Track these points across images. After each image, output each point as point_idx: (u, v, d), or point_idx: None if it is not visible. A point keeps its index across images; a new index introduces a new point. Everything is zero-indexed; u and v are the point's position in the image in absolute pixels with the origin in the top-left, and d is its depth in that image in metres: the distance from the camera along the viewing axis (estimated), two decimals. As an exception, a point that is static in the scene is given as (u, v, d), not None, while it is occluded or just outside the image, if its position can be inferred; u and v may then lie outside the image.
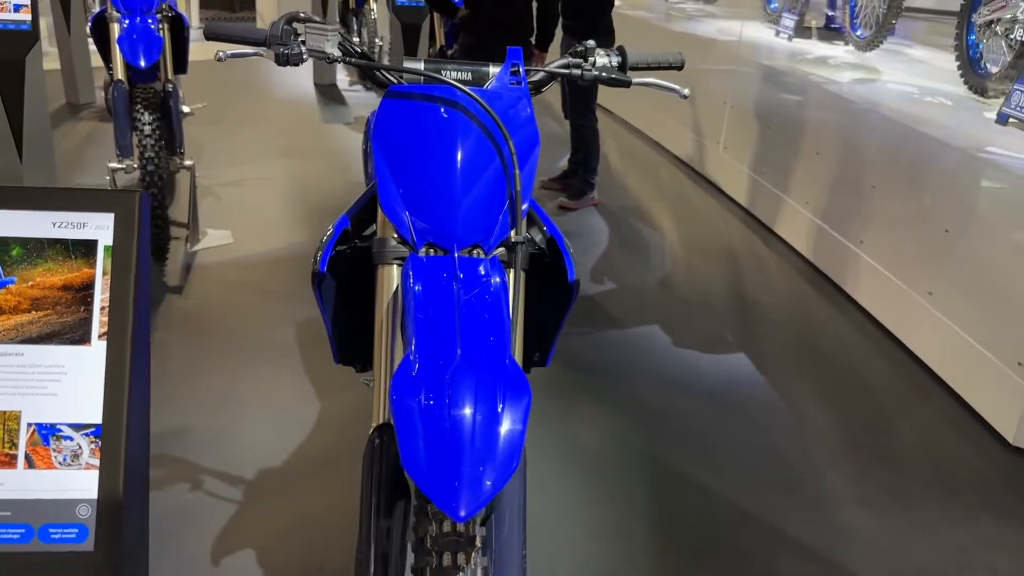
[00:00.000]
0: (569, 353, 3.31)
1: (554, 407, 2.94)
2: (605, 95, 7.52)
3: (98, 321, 1.20)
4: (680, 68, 1.79)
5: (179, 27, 4.14)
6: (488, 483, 1.13)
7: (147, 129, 3.66)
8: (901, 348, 3.52)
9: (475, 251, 1.48)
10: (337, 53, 1.52)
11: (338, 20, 8.26)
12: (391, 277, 1.47)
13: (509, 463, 1.15)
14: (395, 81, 1.56)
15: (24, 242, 1.20)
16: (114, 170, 3.82)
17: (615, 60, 1.69)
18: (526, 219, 1.71)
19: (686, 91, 1.75)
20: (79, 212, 1.20)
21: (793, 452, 2.78)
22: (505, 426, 1.17)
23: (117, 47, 3.74)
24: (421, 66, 1.54)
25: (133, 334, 1.19)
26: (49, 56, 6.88)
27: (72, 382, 1.21)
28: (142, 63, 3.68)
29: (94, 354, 1.23)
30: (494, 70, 1.59)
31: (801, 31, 5.94)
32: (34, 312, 1.19)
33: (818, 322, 3.80)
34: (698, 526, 2.41)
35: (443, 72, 1.55)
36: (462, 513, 1.10)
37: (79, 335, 1.21)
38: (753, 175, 5.06)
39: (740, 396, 3.10)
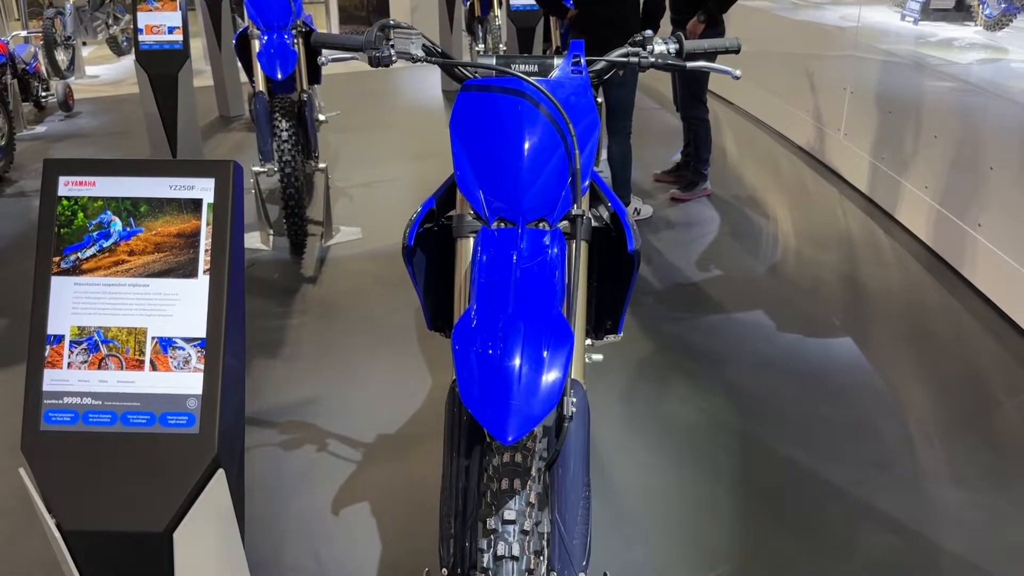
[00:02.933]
0: (666, 336, 3.43)
1: (647, 386, 3.08)
2: (726, 86, 7.50)
3: (203, 260, 1.63)
4: (736, 52, 1.91)
5: (308, 37, 4.53)
6: (531, 413, 1.31)
7: (284, 135, 4.05)
8: (1018, 332, 3.42)
9: (541, 224, 1.67)
10: (420, 53, 1.75)
11: (465, 28, 8.61)
12: (468, 249, 1.67)
13: (551, 399, 1.33)
14: (471, 76, 1.77)
15: (149, 201, 1.67)
16: (257, 173, 4.24)
17: (672, 47, 1.83)
18: (591, 196, 1.88)
19: (737, 72, 1.86)
20: (189, 178, 1.60)
21: (890, 432, 2.80)
22: (547, 368, 1.35)
23: (257, 61, 4.15)
24: (493, 61, 1.74)
25: (229, 270, 1.58)
26: (204, 73, 7.60)
27: (184, 306, 1.68)
28: (279, 75, 4.07)
29: (200, 285, 1.68)
30: (558, 62, 1.77)
31: (928, 13, 5.76)
32: (157, 254, 1.65)
33: (932, 306, 3.74)
34: (785, 499, 2.49)
35: (512, 66, 1.74)
36: (509, 437, 1.29)
37: (189, 271, 1.67)
38: (873, 161, 4.98)
39: (841, 379, 3.12)
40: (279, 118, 4.07)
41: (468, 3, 8.39)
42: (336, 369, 3.20)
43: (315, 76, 4.71)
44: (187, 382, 1.64)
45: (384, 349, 3.32)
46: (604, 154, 5.19)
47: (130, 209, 1.70)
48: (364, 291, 3.90)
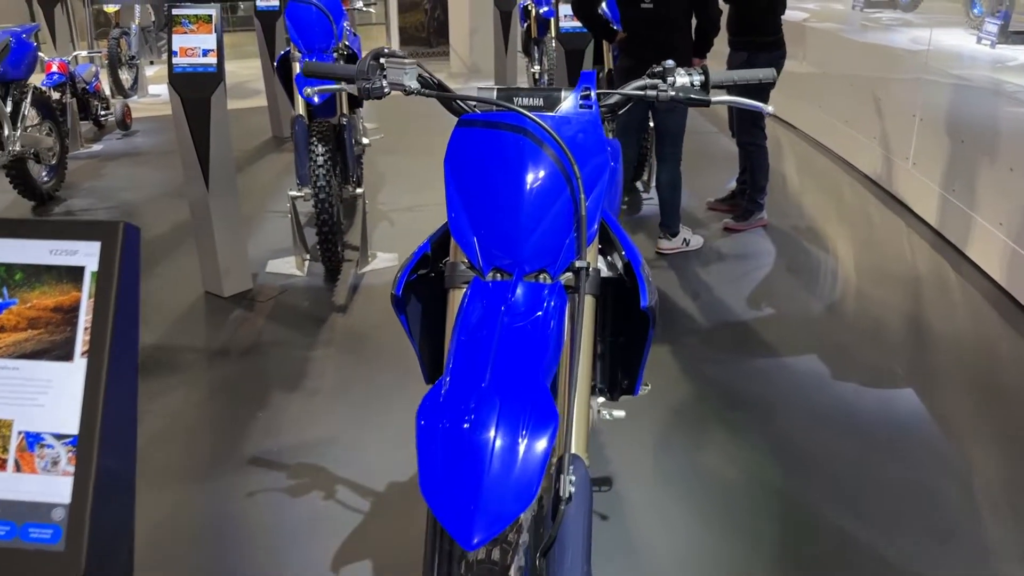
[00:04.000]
0: (708, 379, 3.19)
1: (682, 435, 2.85)
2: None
3: (81, 340, 1.34)
4: (772, 85, 1.70)
5: (352, 61, 4.44)
6: (502, 511, 1.12)
7: (319, 160, 3.94)
8: (1105, 388, 3.09)
9: (541, 276, 1.49)
10: (415, 85, 1.59)
11: (521, 49, 8.50)
12: (460, 300, 1.50)
13: (526, 493, 1.14)
14: (470, 110, 1.60)
15: (25, 268, 1.38)
16: (293, 197, 4.14)
17: (697, 79, 1.63)
18: (605, 242, 1.69)
19: (769, 108, 1.66)
20: (72, 241, 1.36)
21: (953, 499, 2.52)
22: (525, 454, 1.16)
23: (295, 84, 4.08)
24: (493, 94, 1.57)
25: (111, 352, 1.31)
26: (260, 94, 7.63)
27: (57, 395, 1.36)
28: (315, 99, 3.98)
29: (76, 370, 1.36)
30: (567, 94, 1.59)
31: (1007, 36, 5.39)
32: (30, 331, 1.37)
33: (1005, 356, 3.42)
34: (831, 574, 2.24)
35: (515, 99, 1.57)
36: (475, 540, 1.10)
37: (65, 352, 1.36)
38: (943, 192, 4.65)
39: (900, 435, 2.84)
40: (315, 142, 3.97)
41: (526, 25, 8.28)
42: (355, 406, 3.05)
43: (357, 100, 4.61)
44: (54, 488, 1.34)
45: (407, 388, 3.16)
46: (652, 181, 4.98)
47: (3, 277, 1.41)
48: (393, 323, 3.74)
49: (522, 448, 1.17)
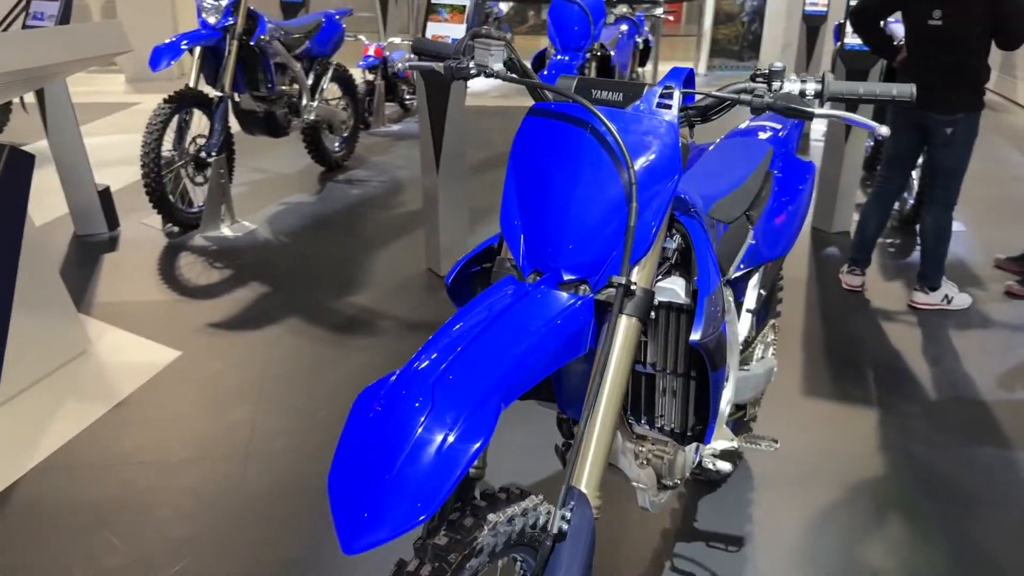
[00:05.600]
0: (911, 458, 2.71)
1: (850, 516, 2.44)
2: None
3: None
4: (910, 102, 1.36)
5: (606, 66, 4.39)
6: (397, 516, 1.00)
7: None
8: None
9: (582, 287, 1.34)
10: (498, 67, 1.49)
11: (832, 69, 7.87)
12: None
13: (428, 502, 1.01)
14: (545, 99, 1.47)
15: None
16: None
17: (811, 87, 1.36)
18: (686, 263, 1.48)
19: (883, 130, 1.33)
20: None
21: None
22: (438, 462, 1.04)
23: (540, 80, 4.11)
24: (573, 84, 1.42)
25: None
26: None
27: None
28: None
29: None
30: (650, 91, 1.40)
31: None
32: None
33: None
34: None
35: (593, 91, 1.41)
36: (356, 545, 1.00)
37: None
38: None
39: None
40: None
41: (838, 43, 7.67)
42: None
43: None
44: None
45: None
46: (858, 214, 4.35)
47: None
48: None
49: (437, 454, 1.04)
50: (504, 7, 10.88)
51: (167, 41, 4.46)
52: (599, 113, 1.33)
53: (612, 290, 1.32)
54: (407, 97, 7.94)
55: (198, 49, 4.60)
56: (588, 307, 1.30)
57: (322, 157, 5.87)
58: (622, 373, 1.33)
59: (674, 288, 1.45)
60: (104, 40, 2.89)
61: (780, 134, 2.31)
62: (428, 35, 3.78)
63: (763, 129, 2.32)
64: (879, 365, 3.35)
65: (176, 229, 4.69)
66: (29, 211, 3.11)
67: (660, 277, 1.50)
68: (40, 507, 2.41)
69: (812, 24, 7.25)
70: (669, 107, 1.37)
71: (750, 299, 2.11)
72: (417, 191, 5.52)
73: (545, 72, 4.20)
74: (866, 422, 2.93)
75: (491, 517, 1.25)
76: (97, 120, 7.26)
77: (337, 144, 6.06)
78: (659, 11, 7.52)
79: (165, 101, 4.38)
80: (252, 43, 4.75)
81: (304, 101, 5.38)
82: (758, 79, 1.41)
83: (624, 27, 6.08)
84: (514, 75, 1.50)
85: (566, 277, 1.34)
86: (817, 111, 1.35)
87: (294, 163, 6.11)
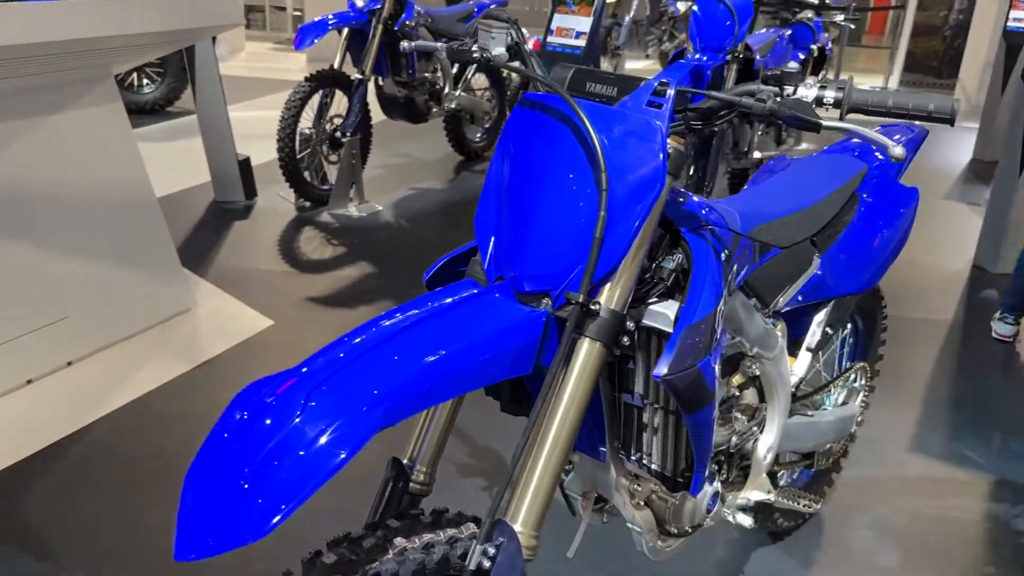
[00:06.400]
0: (970, 515, 2.32)
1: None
2: None
3: None
4: (949, 120, 1.10)
5: (748, 70, 4.10)
6: (232, 530, 0.91)
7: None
8: None
9: (543, 300, 1.19)
10: (498, 51, 1.36)
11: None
12: None
13: (264, 520, 0.91)
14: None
15: None
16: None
17: (831, 95, 1.14)
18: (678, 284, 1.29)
19: (898, 150, 1.08)
20: None
21: None
22: (290, 475, 0.93)
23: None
24: (569, 74, 1.26)
25: None
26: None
27: None
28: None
29: None
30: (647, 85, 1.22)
31: None
32: None
33: None
34: None
35: (588, 83, 1.24)
36: (186, 554, 0.91)
37: None
38: None
39: None
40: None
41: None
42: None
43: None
44: None
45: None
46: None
47: None
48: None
49: (293, 464, 0.94)
50: (682, 7, 10.56)
51: (314, 20, 4.61)
52: (576, 106, 1.17)
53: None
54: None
55: (346, 30, 4.72)
56: (537, 322, 1.16)
57: (462, 146, 5.89)
58: (577, 401, 1.18)
59: (665, 313, 1.27)
60: (214, 12, 2.97)
61: (879, 153, 2.02)
62: (553, 27, 3.67)
63: (864, 147, 2.04)
64: (1010, 431, 2.92)
65: (307, 204, 4.85)
66: (150, 176, 3.29)
67: (657, 300, 1.32)
68: (104, 454, 2.52)
69: (1012, 42, 6.50)
70: (659, 107, 1.19)
71: (812, 337, 1.86)
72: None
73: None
74: (975, 494, 2.55)
75: (398, 541, 1.14)
76: (268, 95, 7.67)
77: (479, 135, 6.06)
78: (839, 17, 7.00)
79: (306, 80, 4.52)
80: (396, 28, 4.81)
81: (446, 89, 5.41)
82: (769, 81, 1.20)
83: (788, 32, 5.68)
84: (514, 63, 1.36)
85: (527, 288, 1.20)
86: (825, 123, 1.13)
87: (434, 150, 6.18)
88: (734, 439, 1.61)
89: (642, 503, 1.54)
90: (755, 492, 1.76)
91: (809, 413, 1.95)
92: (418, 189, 5.35)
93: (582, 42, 3.57)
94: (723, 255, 1.36)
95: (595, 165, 1.17)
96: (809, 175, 1.89)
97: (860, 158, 1.99)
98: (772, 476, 2.03)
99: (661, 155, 1.17)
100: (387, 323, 1.13)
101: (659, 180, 1.17)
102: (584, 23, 3.59)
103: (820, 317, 1.86)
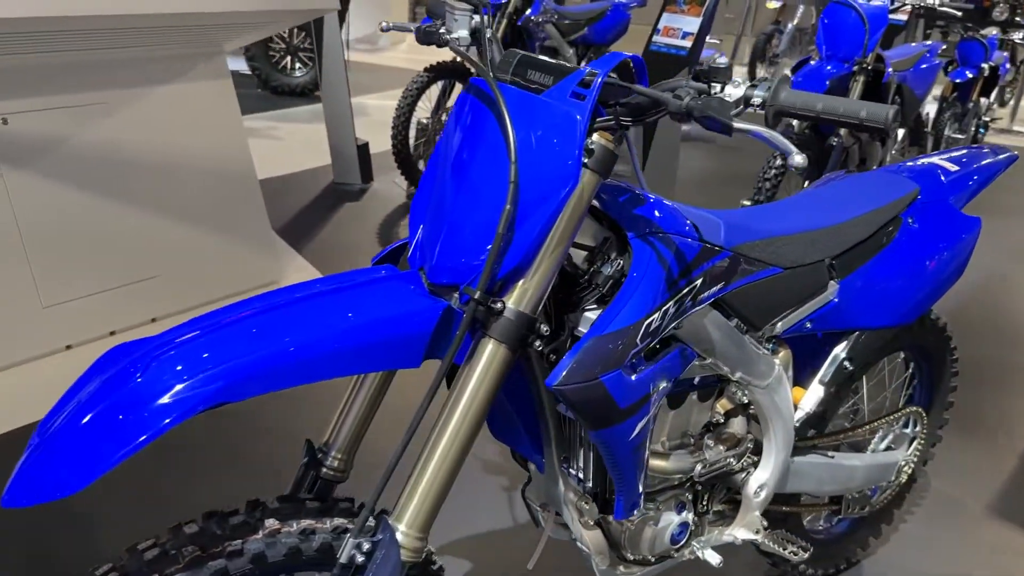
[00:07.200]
0: None
1: None
2: None
3: None
4: (883, 128, 0.94)
5: (877, 84, 3.81)
6: (58, 480, 0.92)
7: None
8: None
9: (453, 293, 1.14)
10: (460, 34, 1.31)
11: None
12: None
13: (77, 478, 0.92)
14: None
15: None
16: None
17: (758, 95, 1.01)
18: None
19: (799, 159, 0.94)
20: None
21: None
22: (108, 435, 0.94)
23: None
24: (516, 59, 1.19)
25: None
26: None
27: None
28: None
29: None
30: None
31: None
32: None
33: None
34: None
35: (530, 71, 1.17)
36: (9, 498, 0.94)
37: None
38: None
39: None
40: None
41: None
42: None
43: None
44: None
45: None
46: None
47: None
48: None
49: (117, 424, 0.94)
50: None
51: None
52: (498, 92, 1.11)
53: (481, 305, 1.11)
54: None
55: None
56: (432, 315, 1.10)
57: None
58: (477, 402, 1.12)
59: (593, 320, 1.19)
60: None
61: (944, 175, 1.80)
62: (660, 26, 3.54)
63: (928, 168, 1.83)
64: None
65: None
66: (282, 154, 3.45)
67: (596, 307, 1.24)
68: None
69: None
70: (582, 99, 1.10)
71: (827, 370, 1.69)
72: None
73: (792, 78, 3.74)
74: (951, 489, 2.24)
75: (270, 522, 1.12)
76: (414, 85, 7.89)
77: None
78: (1018, 36, 6.39)
79: (425, 70, 4.60)
80: (519, 23, 4.81)
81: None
82: (699, 77, 1.09)
83: (944, 46, 5.23)
84: (461, 52, 1.31)
85: (438, 279, 1.15)
86: (737, 124, 1.00)
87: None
88: (699, 468, 1.49)
89: (591, 522, 1.45)
90: (742, 530, 1.62)
91: (830, 454, 1.78)
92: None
93: (688, 43, 3.42)
94: (675, 265, 1.25)
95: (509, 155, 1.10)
96: (848, 193, 1.72)
97: (916, 178, 1.79)
98: (789, 517, 1.87)
99: (577, 149, 1.09)
100: (281, 296, 1.12)
101: (572, 175, 1.09)
102: (693, 23, 3.43)
103: (839, 350, 1.69)
